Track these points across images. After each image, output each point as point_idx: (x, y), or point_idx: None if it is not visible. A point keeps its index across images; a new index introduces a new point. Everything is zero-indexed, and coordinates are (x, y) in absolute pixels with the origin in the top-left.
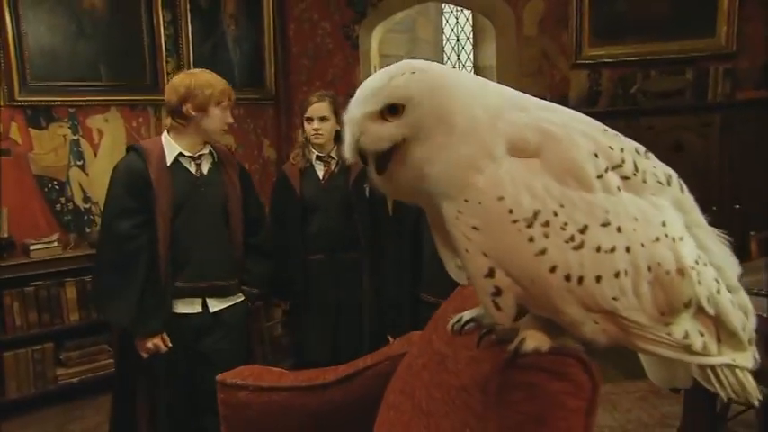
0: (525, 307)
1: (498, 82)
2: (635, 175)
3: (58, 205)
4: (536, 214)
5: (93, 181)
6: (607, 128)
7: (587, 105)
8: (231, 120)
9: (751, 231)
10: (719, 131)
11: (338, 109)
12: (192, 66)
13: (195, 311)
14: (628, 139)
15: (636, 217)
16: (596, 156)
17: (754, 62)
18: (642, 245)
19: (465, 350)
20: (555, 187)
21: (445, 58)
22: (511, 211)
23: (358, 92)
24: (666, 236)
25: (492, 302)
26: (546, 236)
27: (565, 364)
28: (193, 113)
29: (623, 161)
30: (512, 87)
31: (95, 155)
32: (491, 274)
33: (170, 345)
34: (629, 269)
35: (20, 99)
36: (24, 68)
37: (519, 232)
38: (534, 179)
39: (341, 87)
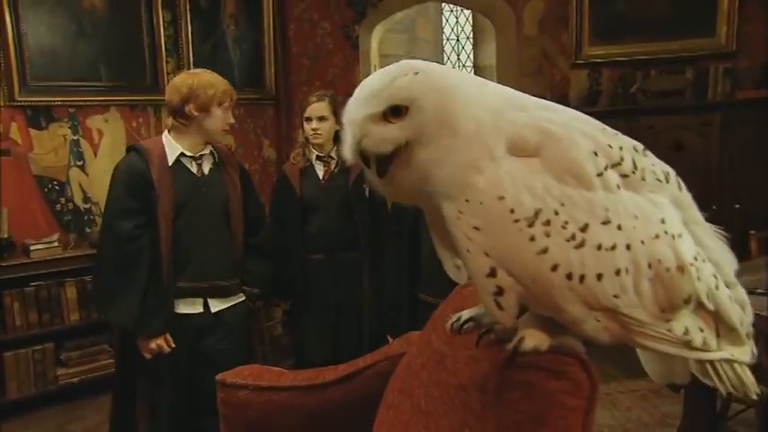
0: (527, 306)
1: (498, 82)
2: (634, 172)
3: (58, 205)
4: (537, 213)
5: (94, 181)
6: (606, 126)
7: (587, 105)
8: (233, 120)
9: (751, 230)
10: (719, 131)
11: (338, 109)
12: (191, 66)
13: (196, 312)
14: (626, 137)
15: (636, 215)
16: (596, 154)
17: (753, 61)
18: (642, 242)
19: (464, 349)
20: (555, 186)
21: (445, 58)
22: (512, 211)
23: (357, 92)
24: (666, 233)
25: (494, 302)
26: (547, 235)
27: (563, 363)
28: (195, 113)
29: (622, 159)
30: (512, 87)
31: (95, 155)
32: (493, 273)
33: (173, 345)
34: (630, 267)
35: (20, 99)
36: (24, 68)
37: (520, 231)
38: (534, 178)
39: (341, 87)
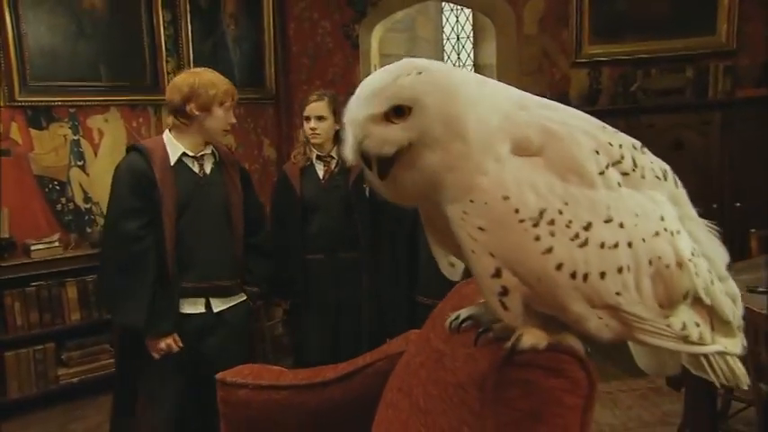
0: (530, 305)
1: (498, 81)
2: (634, 170)
3: (59, 205)
4: (541, 213)
5: (94, 181)
6: (605, 125)
7: (588, 104)
8: (234, 120)
9: (751, 229)
10: (720, 129)
11: (338, 108)
12: (191, 66)
13: (198, 311)
14: (625, 135)
15: (636, 212)
16: (597, 153)
17: (754, 60)
18: (643, 239)
19: (462, 348)
20: (558, 185)
21: (445, 57)
22: (517, 211)
23: (359, 91)
24: (665, 230)
25: (499, 302)
26: (552, 234)
27: (561, 362)
28: (196, 113)
29: (622, 157)
30: (512, 86)
31: (96, 155)
32: (498, 274)
33: (181, 345)
34: (632, 264)
35: (20, 99)
36: (24, 68)
37: (525, 231)
38: (538, 178)
39: (341, 87)
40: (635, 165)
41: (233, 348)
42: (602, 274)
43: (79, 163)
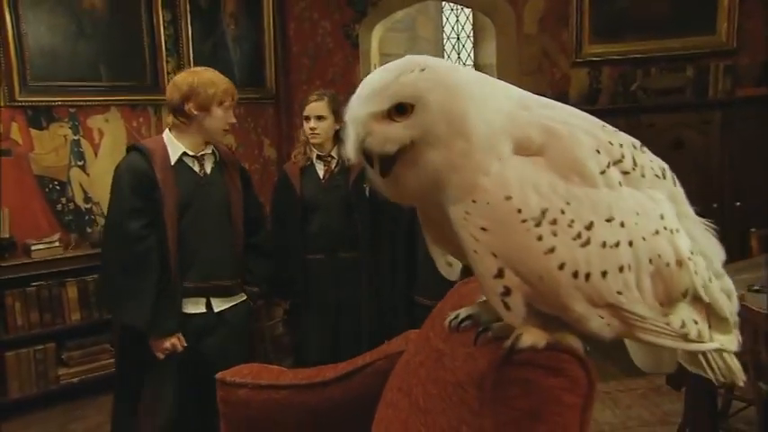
0: (532, 305)
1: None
2: (634, 169)
3: (59, 205)
4: (544, 212)
5: (94, 181)
6: (605, 123)
7: (588, 103)
8: (233, 120)
9: (751, 228)
10: (720, 128)
11: (338, 108)
12: (192, 65)
13: (199, 311)
14: (624, 134)
15: (637, 211)
16: (598, 152)
17: (754, 59)
18: (644, 238)
19: (462, 347)
20: (560, 185)
21: (445, 57)
22: (519, 211)
23: (360, 89)
24: (665, 228)
25: (501, 302)
26: (554, 234)
27: (560, 360)
28: (195, 112)
29: (623, 156)
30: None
31: (96, 155)
32: (500, 274)
33: (185, 344)
34: (633, 263)
35: (20, 99)
36: (24, 68)
37: (528, 231)
38: (540, 177)
39: (341, 86)
40: (635, 164)
41: (233, 348)
42: (604, 274)
43: (79, 163)
